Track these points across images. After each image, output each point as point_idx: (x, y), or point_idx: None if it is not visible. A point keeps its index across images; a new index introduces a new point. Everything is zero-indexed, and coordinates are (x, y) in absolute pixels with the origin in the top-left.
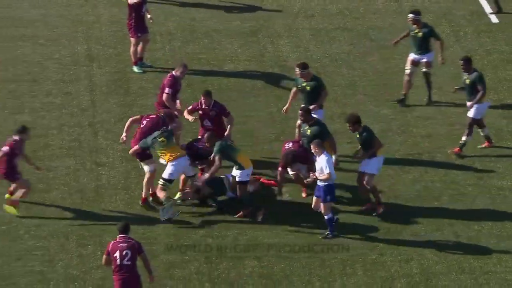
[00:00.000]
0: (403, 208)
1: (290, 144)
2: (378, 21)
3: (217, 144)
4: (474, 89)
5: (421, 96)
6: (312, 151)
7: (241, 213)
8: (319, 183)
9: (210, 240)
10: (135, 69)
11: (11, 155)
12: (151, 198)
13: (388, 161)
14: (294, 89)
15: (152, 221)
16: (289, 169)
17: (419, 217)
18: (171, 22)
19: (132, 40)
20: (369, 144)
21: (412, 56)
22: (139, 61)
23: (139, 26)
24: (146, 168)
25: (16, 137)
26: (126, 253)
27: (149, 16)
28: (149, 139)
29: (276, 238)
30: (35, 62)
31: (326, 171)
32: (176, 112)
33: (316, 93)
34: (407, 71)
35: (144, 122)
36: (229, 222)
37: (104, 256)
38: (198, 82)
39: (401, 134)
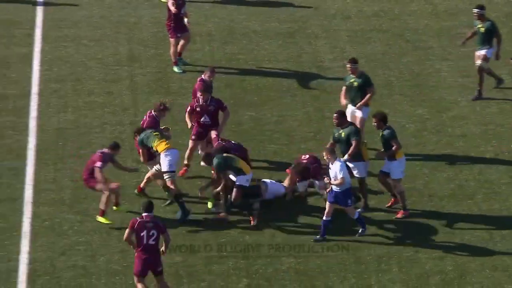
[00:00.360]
0: (437, 206)
1: (307, 156)
2: (413, 22)
3: (215, 161)
4: None
5: (456, 96)
6: (325, 157)
7: (253, 221)
8: (334, 189)
9: (247, 237)
10: (176, 69)
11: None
12: (136, 191)
13: (423, 160)
14: (344, 88)
15: (191, 218)
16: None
17: (453, 215)
18: (211, 23)
19: (172, 40)
20: (390, 144)
21: (477, 51)
22: (178, 57)
23: (177, 27)
24: (150, 167)
25: (105, 150)
26: (152, 233)
27: (186, 19)
28: (142, 135)
29: (312, 235)
30: (78, 62)
31: (340, 175)
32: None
33: (363, 90)
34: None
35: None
36: (266, 220)
37: (128, 231)
38: (237, 82)
39: (436, 134)
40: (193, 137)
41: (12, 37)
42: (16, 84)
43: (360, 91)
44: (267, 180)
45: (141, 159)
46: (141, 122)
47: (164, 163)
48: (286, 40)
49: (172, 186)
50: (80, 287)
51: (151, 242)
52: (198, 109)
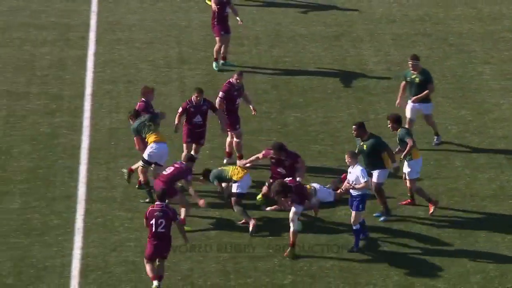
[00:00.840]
0: (479, 206)
1: (289, 180)
2: (457, 26)
3: (211, 176)
4: None
5: (498, 99)
6: (346, 161)
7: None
8: (353, 193)
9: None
10: (214, 66)
11: (177, 178)
12: (137, 186)
13: (465, 161)
14: (403, 83)
15: (236, 217)
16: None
17: (494, 215)
18: (258, 27)
19: (217, 39)
20: (406, 143)
21: None
22: (223, 61)
23: (221, 26)
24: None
25: (184, 162)
26: (161, 221)
27: (238, 18)
28: (137, 123)
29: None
30: (130, 64)
31: (363, 180)
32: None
33: (423, 86)
34: None
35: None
36: (310, 220)
37: (145, 221)
38: (283, 84)
39: (478, 135)
40: (188, 139)
41: (67, 40)
42: (71, 85)
43: (421, 87)
44: (317, 185)
45: (136, 147)
46: (136, 107)
47: (146, 152)
48: (332, 43)
49: (141, 175)
50: (130, 282)
51: (160, 230)
52: (192, 109)
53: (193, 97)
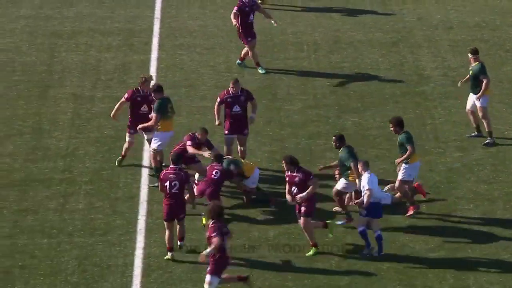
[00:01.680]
0: None
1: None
2: None
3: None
4: None
5: None
6: (359, 170)
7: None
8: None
9: (349, 237)
10: (259, 70)
11: (223, 180)
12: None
13: None
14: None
15: (295, 218)
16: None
17: None
18: (317, 33)
19: (246, 46)
20: (405, 148)
21: None
22: (241, 61)
23: (247, 33)
24: (146, 136)
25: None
26: (174, 183)
27: (273, 21)
28: (165, 101)
29: (410, 236)
30: (192, 69)
31: (366, 187)
32: (218, 121)
33: (477, 79)
34: None
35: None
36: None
37: (160, 183)
38: (341, 89)
39: None
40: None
41: (131, 45)
42: None
43: (475, 80)
44: (373, 188)
45: (155, 125)
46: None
47: (153, 141)
48: (389, 49)
49: (153, 161)
50: (190, 281)
51: (174, 191)
52: (186, 154)
53: (198, 135)
